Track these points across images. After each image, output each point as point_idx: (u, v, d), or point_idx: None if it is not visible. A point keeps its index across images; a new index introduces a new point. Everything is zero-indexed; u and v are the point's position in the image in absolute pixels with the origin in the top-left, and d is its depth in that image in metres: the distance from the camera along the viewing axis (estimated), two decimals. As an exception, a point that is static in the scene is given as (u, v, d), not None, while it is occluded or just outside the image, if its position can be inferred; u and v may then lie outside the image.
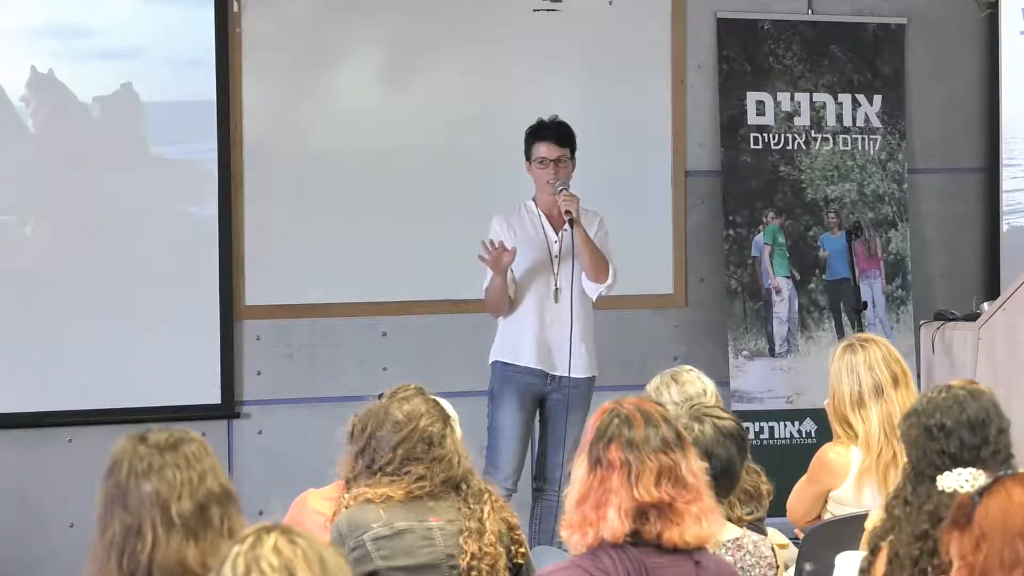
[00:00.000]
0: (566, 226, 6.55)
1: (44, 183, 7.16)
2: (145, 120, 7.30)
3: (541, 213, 6.69)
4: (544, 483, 6.67)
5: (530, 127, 6.72)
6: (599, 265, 6.57)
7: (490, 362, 6.71)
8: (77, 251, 7.19)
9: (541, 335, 6.61)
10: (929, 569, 3.33)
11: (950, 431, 3.49)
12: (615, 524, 3.24)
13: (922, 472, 3.48)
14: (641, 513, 3.24)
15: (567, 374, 6.58)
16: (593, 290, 6.63)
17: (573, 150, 6.70)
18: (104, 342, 7.13)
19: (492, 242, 6.52)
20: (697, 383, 4.87)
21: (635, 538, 3.26)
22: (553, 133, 6.65)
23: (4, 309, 7.07)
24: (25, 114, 7.14)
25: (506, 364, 6.65)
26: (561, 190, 6.55)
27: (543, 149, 6.63)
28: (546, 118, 6.73)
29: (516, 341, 6.65)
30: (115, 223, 7.20)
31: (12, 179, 7.13)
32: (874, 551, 3.45)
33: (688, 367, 5.00)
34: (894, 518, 3.46)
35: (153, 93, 7.26)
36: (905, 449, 3.59)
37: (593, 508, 3.26)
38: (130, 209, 7.23)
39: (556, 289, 6.61)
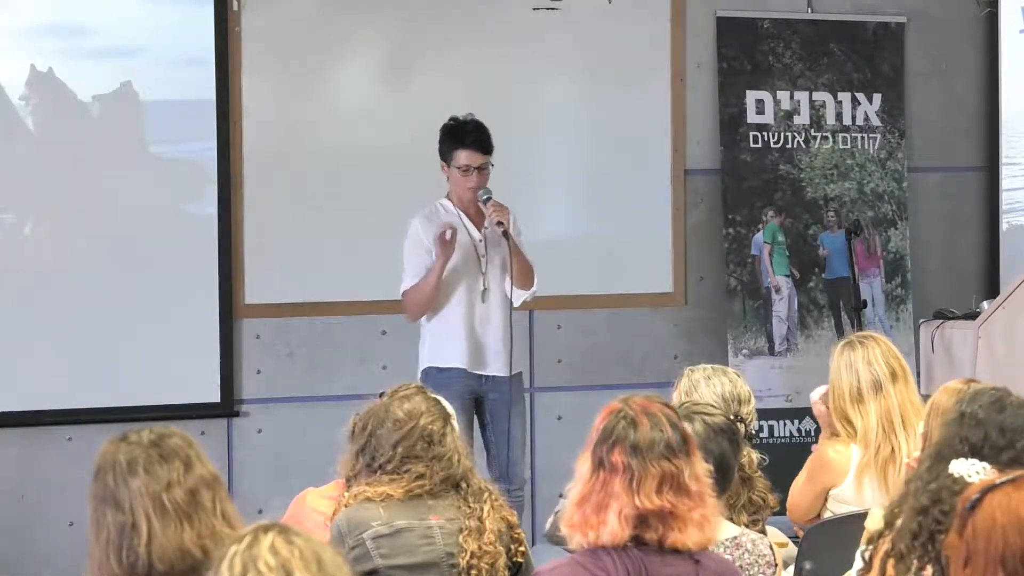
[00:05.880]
0: (486, 225, 6.49)
1: (43, 182, 7.16)
2: (144, 119, 7.30)
3: (460, 212, 6.61)
4: (508, 481, 6.45)
5: (447, 127, 6.59)
6: (527, 274, 6.55)
7: (421, 370, 6.60)
8: (76, 250, 7.19)
9: (472, 335, 6.55)
10: (927, 546, 3.33)
11: (980, 422, 3.49)
12: (615, 529, 3.23)
13: (941, 453, 3.49)
14: (642, 520, 3.24)
15: (500, 374, 6.55)
16: (519, 297, 6.58)
17: (492, 152, 6.58)
18: (104, 341, 7.13)
19: (452, 228, 6.45)
20: (727, 385, 4.84)
21: (636, 541, 3.25)
22: (475, 140, 6.53)
23: (3, 308, 7.07)
24: (25, 113, 7.14)
25: (440, 370, 6.53)
26: (487, 199, 6.47)
27: (465, 156, 6.52)
28: (461, 116, 6.59)
29: (446, 343, 6.56)
30: (114, 222, 7.21)
31: (11, 178, 7.13)
32: (882, 533, 3.45)
33: (736, 371, 4.98)
34: (907, 491, 3.47)
35: (152, 92, 7.26)
36: (937, 428, 3.61)
37: (594, 511, 3.25)
38: (129, 208, 7.23)
39: (484, 289, 6.57)
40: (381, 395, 4.30)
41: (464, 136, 6.55)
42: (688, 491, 3.26)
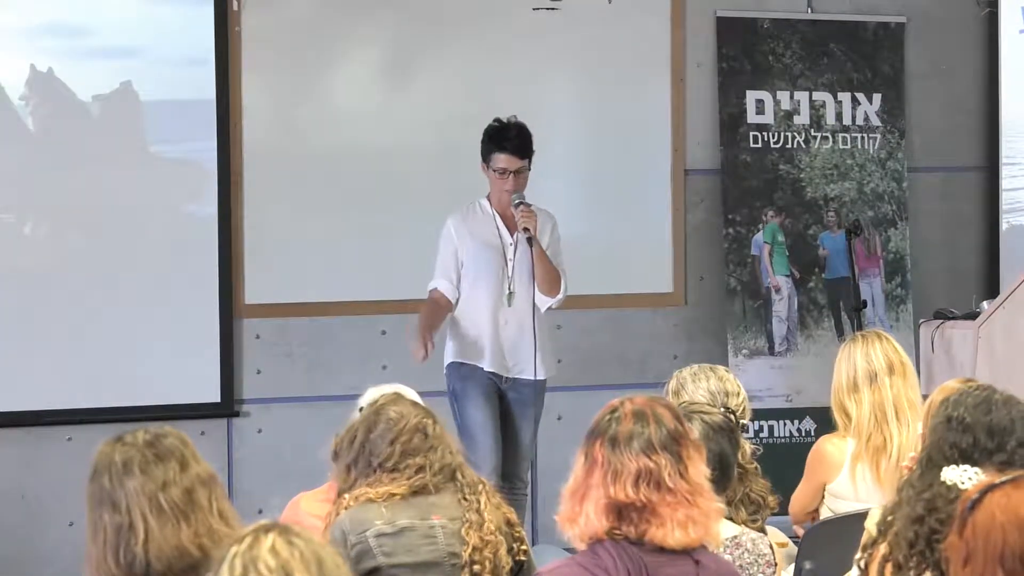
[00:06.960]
0: (520, 232, 6.50)
1: (43, 182, 7.16)
2: (144, 119, 7.30)
3: (496, 214, 6.64)
4: (508, 481, 6.50)
5: (490, 129, 6.59)
6: (552, 281, 6.55)
7: (446, 364, 6.64)
8: (76, 250, 7.19)
9: (496, 338, 6.57)
10: (925, 553, 3.34)
11: (968, 427, 3.46)
12: (592, 520, 3.24)
13: (932, 459, 3.48)
14: (618, 512, 3.23)
15: (523, 377, 6.58)
16: (544, 303, 6.59)
17: (532, 157, 6.61)
18: (103, 341, 7.13)
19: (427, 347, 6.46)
20: (713, 381, 4.84)
21: (627, 539, 3.25)
22: (514, 144, 6.54)
23: (3, 308, 7.07)
24: (25, 113, 7.15)
25: (463, 363, 6.60)
26: (518, 204, 6.49)
27: (503, 160, 6.54)
28: (504, 118, 6.60)
29: (470, 344, 6.60)
30: (114, 222, 7.21)
31: (11, 178, 7.14)
32: (876, 541, 3.45)
33: (726, 368, 4.99)
34: (900, 500, 3.46)
35: (152, 92, 7.26)
36: (927, 434, 3.60)
37: (578, 502, 3.27)
38: (130, 208, 7.23)
39: (510, 293, 6.58)
40: (360, 410, 4.36)
41: (503, 140, 6.56)
42: (669, 489, 3.23)
